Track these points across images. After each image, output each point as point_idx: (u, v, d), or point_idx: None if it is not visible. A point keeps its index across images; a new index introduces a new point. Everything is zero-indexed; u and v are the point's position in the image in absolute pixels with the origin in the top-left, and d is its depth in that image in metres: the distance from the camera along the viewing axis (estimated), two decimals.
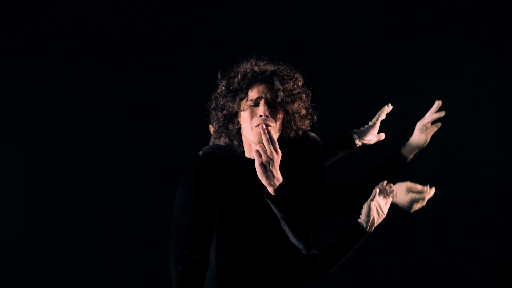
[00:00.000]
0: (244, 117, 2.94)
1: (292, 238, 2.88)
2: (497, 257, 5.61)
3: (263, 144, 2.81)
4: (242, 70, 2.99)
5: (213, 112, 3.03)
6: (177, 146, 5.47)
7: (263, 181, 2.82)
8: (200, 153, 3.04)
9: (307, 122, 3.07)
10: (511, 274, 5.61)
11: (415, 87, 5.61)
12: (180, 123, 5.48)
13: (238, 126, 2.98)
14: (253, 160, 2.96)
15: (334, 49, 5.60)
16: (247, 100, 2.94)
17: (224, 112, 2.97)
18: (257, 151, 2.81)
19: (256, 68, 2.99)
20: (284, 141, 3.00)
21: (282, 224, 2.87)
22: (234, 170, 2.99)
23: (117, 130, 5.47)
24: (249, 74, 2.96)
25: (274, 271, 2.94)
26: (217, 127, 3.03)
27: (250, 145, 2.99)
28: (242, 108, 2.94)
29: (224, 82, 2.98)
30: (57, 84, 5.44)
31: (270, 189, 2.82)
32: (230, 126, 2.98)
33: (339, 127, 5.59)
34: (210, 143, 3.67)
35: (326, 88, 5.57)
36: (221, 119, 2.99)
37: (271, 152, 2.81)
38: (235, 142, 3.00)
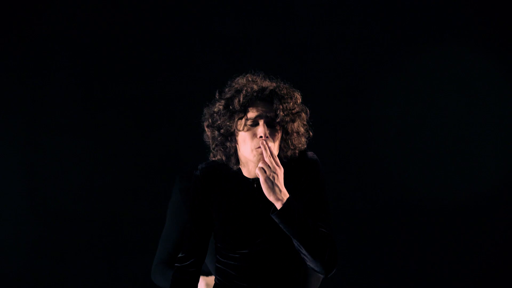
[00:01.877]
0: (244, 138, 2.91)
1: (309, 259, 2.85)
2: (497, 257, 5.60)
3: (265, 160, 2.81)
4: (239, 88, 2.93)
5: (207, 129, 3.00)
6: (177, 146, 5.46)
7: (270, 197, 2.81)
8: (198, 172, 3.01)
9: (303, 140, 3.03)
10: (511, 274, 5.61)
11: (415, 87, 5.60)
12: (180, 124, 5.48)
13: (235, 145, 2.95)
14: (251, 179, 2.96)
15: (334, 49, 5.59)
16: (246, 119, 2.91)
17: (222, 131, 2.93)
18: (261, 168, 2.80)
19: (254, 86, 2.93)
20: (281, 160, 2.97)
21: (296, 245, 2.84)
22: (233, 188, 2.97)
23: (117, 130, 5.46)
24: (249, 93, 2.91)
25: (275, 286, 2.94)
26: (213, 145, 3.00)
27: (247, 163, 2.97)
28: (241, 128, 2.91)
29: (222, 102, 2.94)
30: (57, 84, 5.44)
31: (278, 204, 2.81)
32: (228, 144, 2.95)
33: (339, 127, 5.59)
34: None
35: (326, 88, 5.56)
36: (218, 138, 2.95)
37: (274, 166, 2.81)
38: (233, 160, 2.97)
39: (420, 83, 5.60)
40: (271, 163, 2.81)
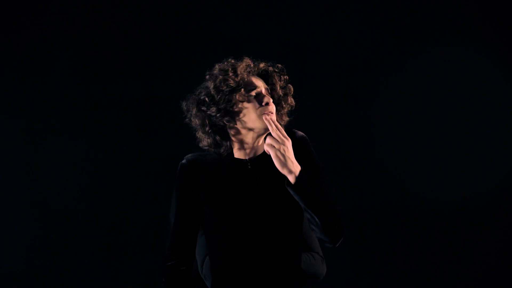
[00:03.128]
0: (249, 108, 2.92)
1: (320, 229, 2.85)
2: (497, 258, 5.60)
3: (273, 134, 2.81)
4: (233, 64, 2.97)
5: (196, 115, 2.98)
6: (177, 146, 5.46)
7: (284, 170, 2.81)
8: (184, 161, 3.01)
9: (286, 118, 3.07)
10: (511, 274, 5.61)
11: (414, 87, 5.61)
12: (180, 124, 5.48)
13: (232, 124, 2.95)
14: (246, 159, 2.95)
15: (334, 49, 5.60)
16: (248, 89, 2.94)
17: (221, 106, 2.93)
18: (269, 144, 2.81)
19: (249, 62, 3.00)
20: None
21: (308, 217, 2.85)
22: (223, 173, 2.96)
23: (117, 130, 5.46)
24: (248, 67, 2.97)
25: (272, 271, 2.93)
26: (203, 130, 2.99)
27: (241, 144, 2.97)
28: (244, 98, 2.93)
29: (220, 77, 2.95)
30: (57, 85, 5.44)
31: (291, 177, 2.82)
32: (224, 122, 2.95)
33: (339, 127, 5.59)
34: None
35: (326, 88, 5.56)
36: (213, 118, 2.95)
37: (283, 139, 2.82)
38: (225, 143, 2.97)
39: (420, 83, 5.60)
40: (279, 136, 2.82)
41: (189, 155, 3.02)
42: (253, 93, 2.94)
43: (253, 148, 2.99)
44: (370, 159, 5.57)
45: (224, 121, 2.95)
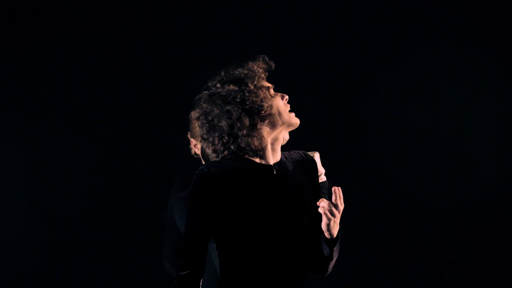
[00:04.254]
0: (278, 104, 2.95)
1: (327, 265, 2.97)
2: (497, 258, 5.60)
3: (339, 202, 2.87)
4: (250, 68, 2.98)
5: (223, 117, 2.91)
6: (177, 147, 5.46)
7: (327, 233, 2.88)
8: (206, 170, 2.89)
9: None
10: (511, 274, 5.61)
11: (414, 87, 5.61)
12: (180, 125, 5.48)
13: (260, 127, 2.92)
14: (269, 164, 2.94)
15: (334, 49, 5.60)
16: (269, 90, 2.97)
17: (259, 104, 2.90)
18: (329, 210, 2.84)
19: (262, 64, 3.02)
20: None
21: (325, 256, 2.95)
22: (249, 179, 2.90)
23: (117, 131, 5.46)
24: (263, 68, 2.99)
25: (291, 273, 2.94)
26: (226, 138, 2.90)
27: (264, 148, 2.94)
28: (273, 95, 2.96)
29: (247, 81, 2.93)
30: (57, 85, 5.44)
31: (335, 232, 2.89)
32: (253, 123, 2.92)
33: (339, 127, 5.59)
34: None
35: (326, 88, 5.56)
36: (241, 122, 2.89)
37: (341, 210, 2.89)
38: (258, 144, 2.91)
39: (420, 83, 5.60)
40: (340, 210, 2.89)
41: (209, 164, 2.91)
42: (272, 92, 2.97)
43: (276, 151, 2.98)
44: (370, 159, 5.57)
45: (255, 121, 2.91)
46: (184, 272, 2.90)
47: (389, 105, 5.54)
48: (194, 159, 4.12)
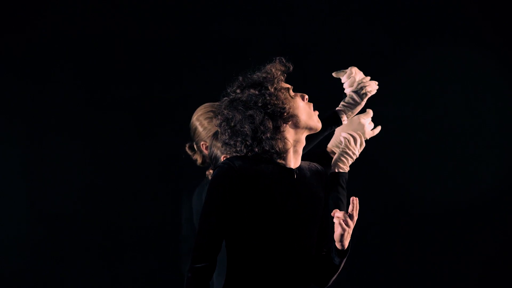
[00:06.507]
0: (299, 105, 2.97)
1: (331, 275, 2.98)
2: (497, 258, 5.60)
3: (354, 213, 2.87)
4: (269, 70, 2.99)
5: (247, 119, 2.90)
6: (177, 148, 5.46)
7: (338, 244, 2.87)
8: (231, 164, 2.87)
9: None
10: (511, 274, 5.61)
11: (414, 87, 5.61)
12: (181, 125, 5.48)
13: (283, 128, 2.92)
14: (291, 168, 2.94)
15: (334, 49, 5.60)
16: (289, 91, 2.98)
17: (280, 106, 2.91)
18: (344, 221, 2.83)
19: (280, 66, 3.04)
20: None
21: (330, 269, 2.95)
22: (272, 180, 2.90)
23: (117, 131, 5.46)
24: (284, 69, 3.02)
25: (293, 282, 2.95)
26: (250, 135, 2.89)
27: (292, 151, 2.95)
28: (294, 95, 2.97)
29: (266, 85, 2.93)
30: (57, 85, 5.44)
31: (346, 243, 2.89)
32: (279, 127, 2.92)
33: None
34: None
35: (326, 88, 5.56)
36: (265, 125, 2.89)
37: (355, 221, 2.87)
38: (282, 147, 2.91)
39: (420, 83, 5.60)
40: (354, 222, 2.88)
41: (230, 158, 2.89)
42: (293, 93, 2.99)
43: (298, 154, 2.98)
44: (370, 159, 5.57)
45: (278, 124, 2.91)
46: (200, 265, 2.88)
47: (389, 105, 5.54)
48: (194, 159, 4.13)
